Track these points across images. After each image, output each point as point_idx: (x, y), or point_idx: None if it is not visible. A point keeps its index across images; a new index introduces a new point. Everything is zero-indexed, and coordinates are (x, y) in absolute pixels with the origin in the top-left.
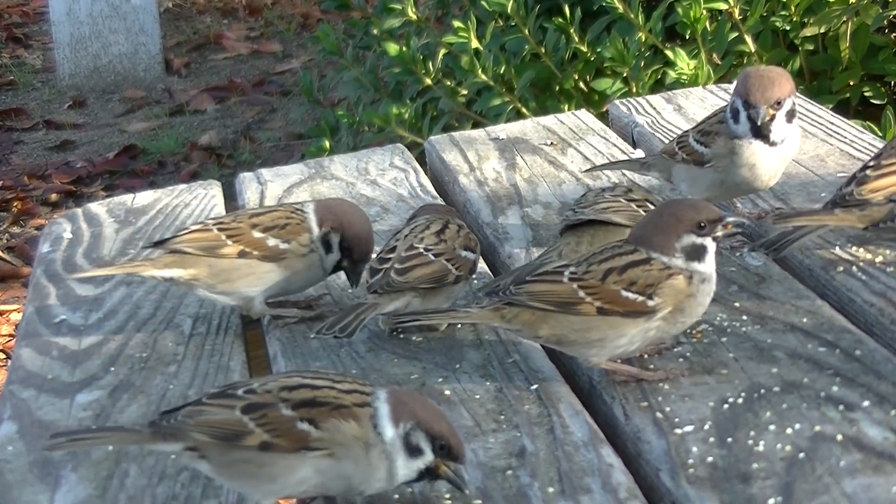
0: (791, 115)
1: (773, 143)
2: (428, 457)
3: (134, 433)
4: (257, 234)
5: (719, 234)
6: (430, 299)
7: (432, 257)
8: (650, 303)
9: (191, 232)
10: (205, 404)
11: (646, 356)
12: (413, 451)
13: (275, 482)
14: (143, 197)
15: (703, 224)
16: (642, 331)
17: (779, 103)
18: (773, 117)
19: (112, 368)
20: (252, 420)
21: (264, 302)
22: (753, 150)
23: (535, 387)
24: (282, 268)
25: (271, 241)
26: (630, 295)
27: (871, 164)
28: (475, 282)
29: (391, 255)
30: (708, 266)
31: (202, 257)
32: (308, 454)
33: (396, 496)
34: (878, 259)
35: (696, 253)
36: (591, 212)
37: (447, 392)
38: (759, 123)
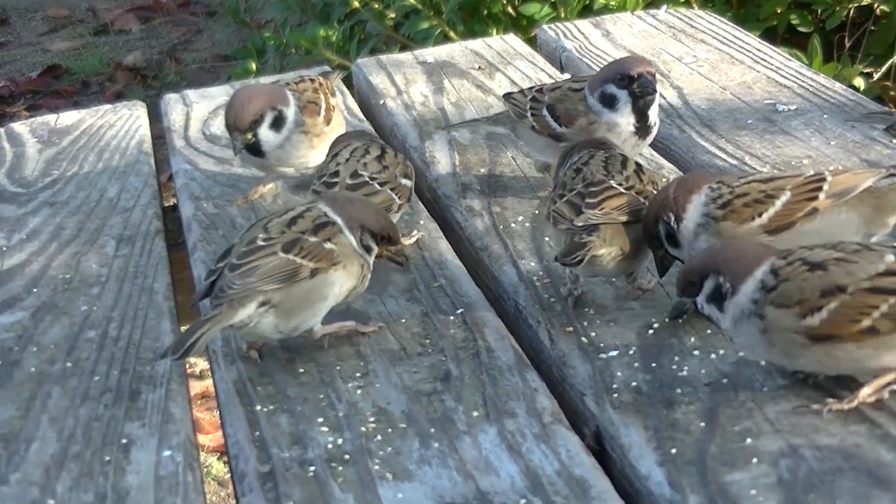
0: None
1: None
2: (375, 249)
3: (216, 319)
4: None
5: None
6: None
7: (378, 186)
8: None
9: None
10: (245, 263)
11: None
12: (367, 249)
13: (326, 299)
14: (67, 117)
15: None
16: None
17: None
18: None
19: (35, 290)
20: (296, 255)
21: None
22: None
23: (460, 311)
24: None
25: None
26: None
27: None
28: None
29: (335, 181)
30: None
31: None
32: (335, 269)
33: (321, 420)
34: None
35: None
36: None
37: (373, 315)
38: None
